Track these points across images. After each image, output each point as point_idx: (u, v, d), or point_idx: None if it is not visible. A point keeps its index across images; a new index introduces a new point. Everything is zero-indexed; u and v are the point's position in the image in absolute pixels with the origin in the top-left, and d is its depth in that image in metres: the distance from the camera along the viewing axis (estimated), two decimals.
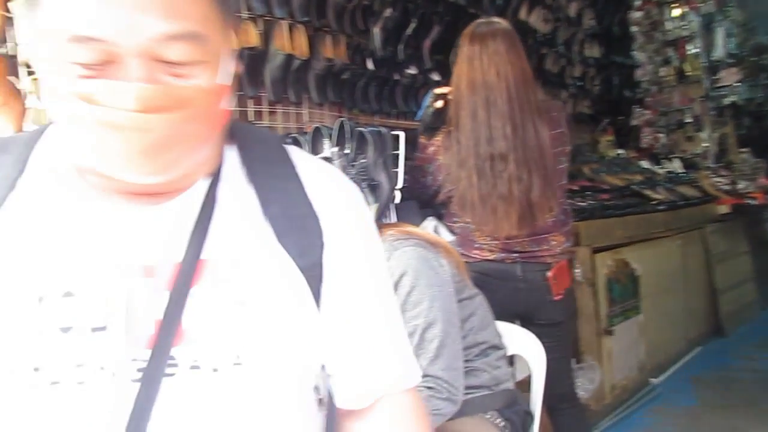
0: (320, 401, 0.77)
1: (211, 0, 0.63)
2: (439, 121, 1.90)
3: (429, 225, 1.82)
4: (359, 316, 0.75)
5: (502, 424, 1.48)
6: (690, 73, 5.88)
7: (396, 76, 3.01)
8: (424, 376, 1.35)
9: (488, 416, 1.46)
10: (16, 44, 2.04)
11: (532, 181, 1.80)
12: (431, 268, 1.43)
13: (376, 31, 2.82)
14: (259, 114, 2.52)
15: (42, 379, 0.61)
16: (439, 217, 1.89)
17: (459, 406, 1.38)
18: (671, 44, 5.96)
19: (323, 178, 0.77)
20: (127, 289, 0.65)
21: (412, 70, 3.04)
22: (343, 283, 0.73)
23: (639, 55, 5.60)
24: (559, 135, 1.92)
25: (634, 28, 5.59)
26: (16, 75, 2.07)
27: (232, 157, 0.74)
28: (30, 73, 2.07)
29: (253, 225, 0.70)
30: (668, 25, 5.99)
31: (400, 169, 1.86)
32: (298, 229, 0.71)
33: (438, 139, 1.89)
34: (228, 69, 0.67)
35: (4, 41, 2.14)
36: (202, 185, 0.71)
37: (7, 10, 2.08)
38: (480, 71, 1.80)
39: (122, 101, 0.58)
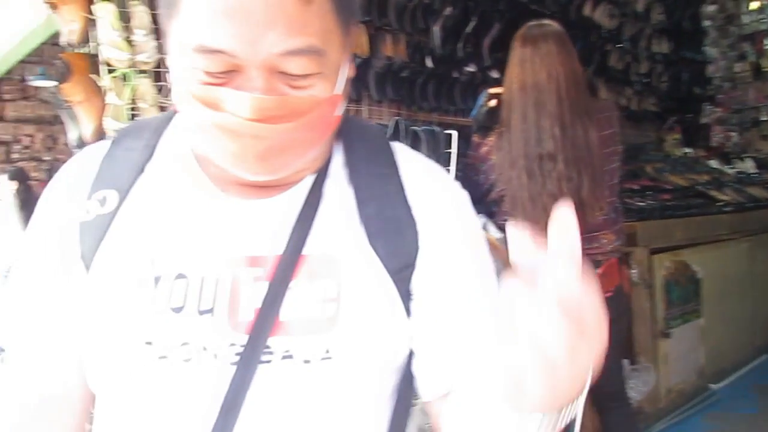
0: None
1: (333, 15, 0.64)
2: (492, 120, 1.95)
3: (479, 223, 1.87)
4: (453, 319, 0.73)
5: None
6: None
7: (455, 74, 3.07)
8: None
9: None
10: (98, 44, 2.21)
11: (581, 180, 1.84)
12: None
13: (436, 29, 2.89)
14: None
15: (152, 352, 0.66)
16: (489, 215, 1.95)
17: None
18: (748, 39, 5.76)
19: (426, 181, 0.76)
20: (232, 277, 0.68)
21: (471, 68, 3.10)
22: (439, 286, 0.72)
23: (711, 51, 5.45)
24: (611, 135, 1.95)
25: (706, 23, 5.44)
26: (98, 73, 2.24)
27: (339, 154, 0.76)
28: (110, 71, 2.24)
29: (349, 225, 0.71)
30: (745, 19, 5.79)
31: (452, 168, 1.93)
32: (391, 232, 0.71)
33: (491, 139, 1.95)
34: (344, 78, 0.68)
35: (87, 41, 2.32)
36: (310, 181, 0.73)
37: (90, 12, 2.25)
38: (531, 73, 1.84)
39: (241, 109, 0.61)
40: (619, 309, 2.05)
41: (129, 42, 2.21)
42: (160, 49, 2.24)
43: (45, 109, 7.67)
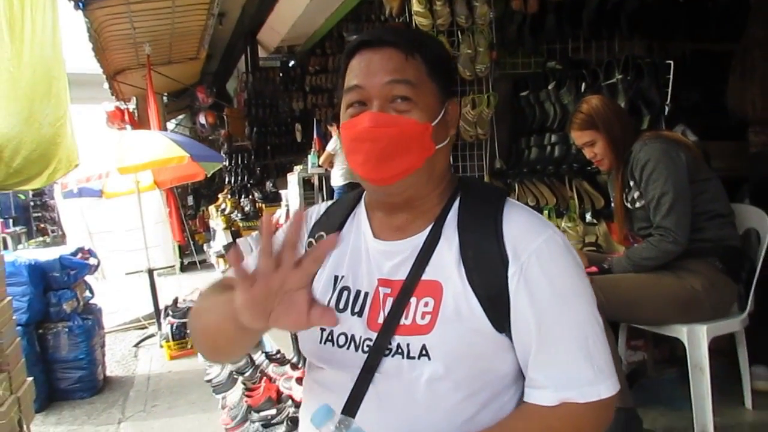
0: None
1: (425, 73, 1.03)
2: None
3: (679, 129, 2.53)
4: (545, 333, 0.96)
5: (721, 266, 2.24)
6: None
7: (710, 3, 3.58)
8: (657, 227, 2.24)
9: (709, 259, 2.24)
10: (410, 14, 3.30)
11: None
12: (670, 158, 2.25)
13: None
14: (576, 49, 3.45)
15: (323, 335, 1.06)
16: (689, 124, 2.59)
17: (683, 248, 2.21)
18: None
19: (523, 227, 1.01)
20: (373, 292, 1.05)
21: None
22: (528, 308, 0.97)
23: None
24: None
25: None
26: None
27: (455, 206, 1.07)
28: None
29: (453, 261, 1.01)
30: None
31: (670, 90, 2.59)
32: (484, 268, 0.98)
33: None
34: (437, 120, 1.03)
35: (403, 12, 3.44)
36: (430, 227, 1.06)
37: None
38: None
39: (365, 121, 1.00)
40: None
41: (430, 11, 3.28)
42: (453, 14, 3.28)
43: None
